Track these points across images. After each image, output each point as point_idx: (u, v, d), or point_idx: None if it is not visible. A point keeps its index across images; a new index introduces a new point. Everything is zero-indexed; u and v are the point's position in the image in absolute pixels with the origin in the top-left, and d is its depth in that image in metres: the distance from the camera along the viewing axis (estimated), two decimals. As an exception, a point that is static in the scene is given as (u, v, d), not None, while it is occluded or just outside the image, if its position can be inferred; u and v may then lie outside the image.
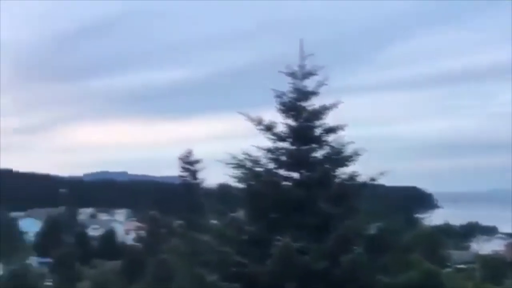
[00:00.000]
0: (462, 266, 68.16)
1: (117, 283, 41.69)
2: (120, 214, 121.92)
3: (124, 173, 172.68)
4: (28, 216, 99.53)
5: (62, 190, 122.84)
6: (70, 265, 49.53)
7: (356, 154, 12.64)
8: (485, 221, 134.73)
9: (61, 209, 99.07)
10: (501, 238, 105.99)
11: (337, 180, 12.75)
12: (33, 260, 56.48)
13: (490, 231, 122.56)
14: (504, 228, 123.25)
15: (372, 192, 13.35)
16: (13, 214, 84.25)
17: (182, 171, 40.45)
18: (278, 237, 11.50)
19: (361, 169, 12.65)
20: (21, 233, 72.22)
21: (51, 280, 46.45)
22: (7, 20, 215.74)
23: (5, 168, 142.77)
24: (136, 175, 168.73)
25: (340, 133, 12.81)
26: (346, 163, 12.74)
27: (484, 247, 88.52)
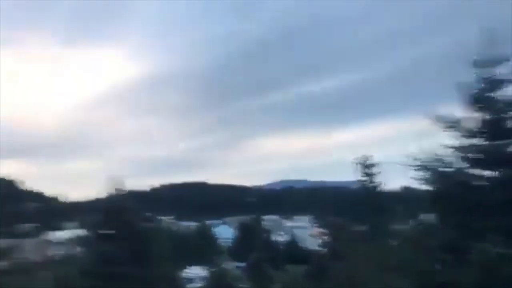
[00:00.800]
0: None
1: (306, 287, 42.48)
2: (303, 221, 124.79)
3: (304, 181, 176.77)
4: (223, 223, 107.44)
5: (249, 199, 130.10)
6: (262, 269, 51.93)
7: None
8: None
9: (249, 217, 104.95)
10: None
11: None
12: (229, 264, 60.44)
13: None
14: None
15: None
16: (209, 222, 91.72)
17: (361, 175, 39.73)
18: (476, 243, 10.46)
19: None
20: (217, 239, 78.11)
21: (246, 283, 49.19)
22: (190, 45, 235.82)
23: (200, 181, 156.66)
24: (315, 182, 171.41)
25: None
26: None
27: None
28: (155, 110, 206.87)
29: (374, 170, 39.65)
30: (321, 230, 73.80)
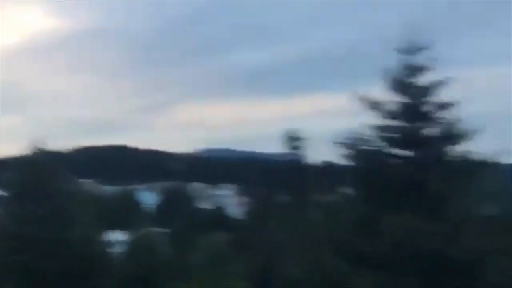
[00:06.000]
0: None
1: (228, 255, 43.42)
2: (229, 189, 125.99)
3: (232, 150, 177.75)
4: (146, 189, 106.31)
5: (174, 166, 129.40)
6: (186, 236, 52.38)
7: (472, 132, 12.05)
8: None
9: (175, 183, 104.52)
10: None
11: (450, 159, 12.28)
12: (152, 230, 60.39)
13: None
14: None
15: (490, 171, 12.69)
16: (131, 187, 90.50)
17: (287, 149, 40.81)
18: (389, 217, 11.37)
19: (478, 147, 12.05)
20: (139, 205, 77.44)
21: (169, 249, 49.48)
22: (126, 7, 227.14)
23: (124, 144, 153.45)
24: (244, 152, 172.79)
25: (455, 109, 12.26)
26: (461, 140, 12.20)
27: None
28: (82, 69, 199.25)
29: (301, 144, 40.92)
30: (246, 199, 75.07)
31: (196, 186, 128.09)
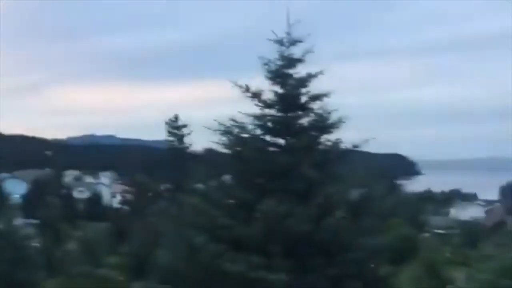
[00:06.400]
0: (441, 231, 69.85)
1: (104, 245, 42.22)
2: (107, 177, 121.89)
3: (112, 137, 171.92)
4: (14, 177, 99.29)
5: (48, 153, 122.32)
6: (56, 227, 49.95)
7: (340, 121, 12.93)
8: (466, 188, 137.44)
9: (47, 171, 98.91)
10: (481, 204, 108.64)
11: (321, 147, 13.07)
12: (19, 221, 56.85)
13: (470, 198, 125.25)
14: (484, 195, 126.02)
15: (356, 159, 13.72)
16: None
17: (169, 136, 40.56)
18: (263, 201, 11.85)
19: (347, 136, 12.97)
20: (6, 194, 72.25)
21: (38, 241, 46.91)
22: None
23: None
24: (124, 139, 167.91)
25: (326, 100, 13.06)
26: (331, 130, 13.04)
27: (464, 213, 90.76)
28: None
29: (183, 131, 40.77)
30: (124, 187, 73.27)
31: (72, 175, 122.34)
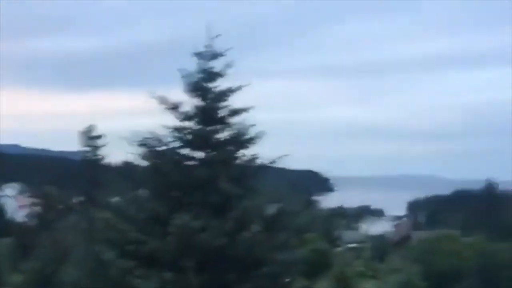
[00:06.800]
0: (353, 245, 72.37)
1: (8, 261, 39.62)
2: (11, 189, 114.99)
3: (17, 146, 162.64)
4: None
5: None
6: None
7: (258, 136, 13.04)
8: (376, 205, 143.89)
9: None
10: (388, 220, 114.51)
11: (238, 161, 13.09)
12: None
13: (378, 214, 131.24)
14: (392, 211, 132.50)
15: (272, 174, 13.87)
16: None
17: (83, 146, 38.92)
18: (177, 215, 11.65)
19: (265, 152, 13.08)
20: None
21: None
22: None
23: None
24: (31, 149, 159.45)
25: (245, 115, 13.12)
26: (248, 145, 13.11)
27: (372, 228, 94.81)
28: None
29: (98, 142, 39.23)
30: (31, 200, 69.32)
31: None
